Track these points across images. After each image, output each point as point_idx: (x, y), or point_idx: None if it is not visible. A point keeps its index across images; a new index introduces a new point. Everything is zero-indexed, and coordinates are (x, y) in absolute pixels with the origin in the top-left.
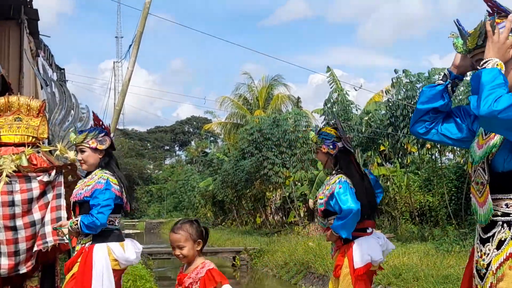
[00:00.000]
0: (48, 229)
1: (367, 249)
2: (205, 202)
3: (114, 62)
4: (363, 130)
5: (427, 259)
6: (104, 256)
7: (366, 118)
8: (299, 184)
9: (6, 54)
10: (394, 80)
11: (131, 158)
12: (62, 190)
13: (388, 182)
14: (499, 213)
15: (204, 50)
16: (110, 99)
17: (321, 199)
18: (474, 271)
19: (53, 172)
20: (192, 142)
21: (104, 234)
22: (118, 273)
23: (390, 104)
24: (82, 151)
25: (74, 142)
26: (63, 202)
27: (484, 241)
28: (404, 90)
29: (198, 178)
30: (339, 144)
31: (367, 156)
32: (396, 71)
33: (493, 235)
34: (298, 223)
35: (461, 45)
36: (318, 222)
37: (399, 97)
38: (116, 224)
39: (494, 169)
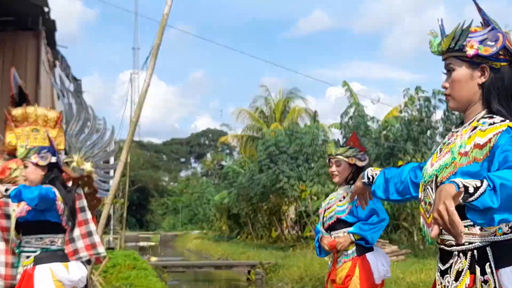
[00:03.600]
0: (80, 244)
1: (383, 261)
2: (220, 215)
3: (131, 74)
4: (381, 144)
5: None
6: (46, 277)
7: (384, 132)
8: (315, 198)
9: (24, 64)
10: (405, 98)
11: (146, 170)
12: (85, 202)
13: None
14: (453, 243)
15: (224, 63)
16: (127, 111)
17: (340, 206)
18: None
19: (69, 184)
20: (208, 155)
21: (46, 255)
22: None
23: (405, 121)
24: (26, 166)
25: (20, 157)
26: (89, 215)
27: (443, 273)
28: (418, 106)
29: (213, 191)
30: (367, 158)
31: None
32: (406, 90)
33: (450, 266)
34: (314, 237)
35: (436, 45)
36: (323, 233)
37: (414, 113)
38: (59, 244)
39: None
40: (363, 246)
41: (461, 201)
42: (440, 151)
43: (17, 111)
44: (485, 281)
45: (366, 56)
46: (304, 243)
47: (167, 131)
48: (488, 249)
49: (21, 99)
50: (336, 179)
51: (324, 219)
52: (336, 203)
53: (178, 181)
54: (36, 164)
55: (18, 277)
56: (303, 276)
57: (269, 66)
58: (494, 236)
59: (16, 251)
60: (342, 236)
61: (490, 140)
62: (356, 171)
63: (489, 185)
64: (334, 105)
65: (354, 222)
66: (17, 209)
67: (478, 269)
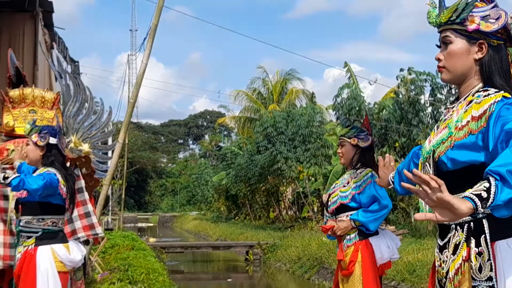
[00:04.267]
0: (78, 224)
1: (389, 243)
2: (219, 196)
3: (128, 55)
4: (376, 125)
5: None
6: (48, 258)
7: (377, 112)
8: (312, 179)
9: (21, 46)
10: (398, 80)
11: (144, 151)
12: (83, 183)
13: None
14: None
15: (222, 44)
16: (125, 92)
17: (343, 192)
18: (436, 283)
19: (68, 164)
20: (206, 136)
21: (48, 236)
22: (64, 276)
23: (399, 102)
24: (28, 144)
25: (24, 133)
26: (87, 196)
27: (441, 249)
28: (413, 87)
29: (211, 172)
30: (370, 139)
31: (381, 152)
32: (401, 70)
33: (448, 241)
34: (311, 218)
35: (434, 16)
36: (326, 217)
37: (407, 94)
38: (60, 225)
39: (441, 167)
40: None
41: (482, 210)
42: (438, 128)
43: (14, 92)
44: (479, 253)
45: (364, 38)
46: (302, 224)
47: (165, 113)
48: (484, 221)
49: (18, 81)
50: (341, 161)
51: (329, 203)
52: (340, 188)
53: (176, 163)
54: (35, 144)
55: (18, 256)
56: (301, 256)
57: (267, 48)
58: None
59: (15, 230)
60: (343, 221)
61: (485, 111)
62: (362, 153)
63: (496, 179)
64: (332, 87)
65: (357, 207)
66: None
67: (473, 241)
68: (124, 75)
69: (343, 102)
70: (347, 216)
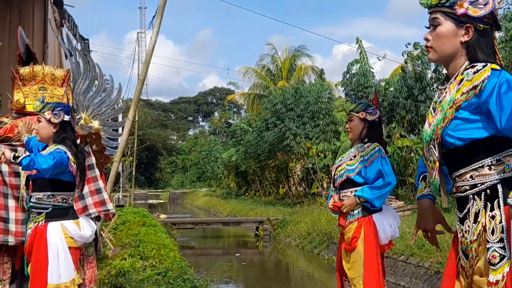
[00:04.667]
0: (89, 201)
1: (391, 221)
2: (228, 173)
3: (137, 33)
4: (383, 102)
5: None
6: (58, 234)
7: (384, 88)
8: (322, 155)
9: (31, 24)
10: (405, 55)
11: (154, 128)
12: (94, 160)
13: (412, 154)
14: (467, 187)
15: (231, 21)
16: (135, 69)
17: (350, 165)
18: (460, 253)
19: (78, 141)
20: (216, 113)
21: (58, 212)
22: (75, 251)
23: (405, 78)
24: (39, 121)
25: (35, 111)
26: (97, 172)
27: (462, 220)
28: (420, 62)
29: (221, 149)
30: (378, 113)
31: (390, 128)
32: (407, 45)
33: (468, 211)
34: (321, 194)
35: None
36: (332, 191)
37: (416, 70)
38: (70, 202)
39: (447, 146)
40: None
41: None
42: (434, 110)
43: (24, 70)
44: (493, 217)
45: (373, 14)
46: (311, 199)
47: (175, 90)
48: (499, 186)
49: (28, 58)
50: (349, 136)
51: (335, 176)
52: (346, 161)
53: (186, 140)
54: (49, 121)
55: (28, 232)
56: (310, 232)
57: (276, 25)
58: (503, 173)
59: (26, 206)
60: (348, 197)
61: (475, 86)
62: (370, 128)
63: None
64: (341, 63)
65: (362, 182)
66: None
67: (488, 206)
68: (133, 52)
69: (352, 78)
70: (351, 191)
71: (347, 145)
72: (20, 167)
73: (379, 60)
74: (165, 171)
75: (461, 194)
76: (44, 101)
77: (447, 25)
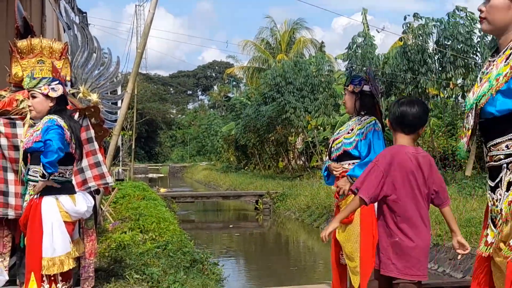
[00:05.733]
0: (88, 174)
1: None
2: (228, 147)
3: (136, 6)
4: (382, 75)
5: (450, 203)
6: (53, 207)
7: (382, 61)
8: (321, 128)
9: None
10: (404, 27)
11: (154, 102)
12: (92, 133)
13: None
14: (502, 156)
15: None
16: (133, 43)
17: (347, 138)
18: (489, 221)
19: (76, 115)
20: (215, 87)
21: (54, 186)
22: (70, 225)
23: (405, 50)
24: (34, 97)
25: (27, 87)
26: (96, 146)
27: (494, 189)
28: (420, 34)
29: (220, 123)
30: (366, 86)
31: (388, 101)
32: (405, 17)
33: (500, 180)
34: (320, 167)
35: None
36: (325, 163)
37: (416, 42)
38: (67, 176)
39: (486, 115)
40: None
41: None
42: (480, 81)
43: (22, 43)
44: None
45: None
46: (311, 173)
47: (174, 64)
48: None
49: (26, 31)
50: (346, 109)
51: (332, 149)
52: (344, 135)
53: (185, 114)
54: (46, 95)
55: (24, 205)
56: (309, 205)
57: None
58: None
59: (24, 179)
60: (342, 180)
61: None
62: (362, 99)
63: None
64: (340, 36)
65: (358, 156)
66: (25, 140)
67: None
68: (132, 25)
69: (357, 50)
70: (349, 164)
71: (345, 118)
72: (19, 139)
73: (378, 32)
74: (164, 145)
75: (495, 163)
76: (34, 76)
77: None
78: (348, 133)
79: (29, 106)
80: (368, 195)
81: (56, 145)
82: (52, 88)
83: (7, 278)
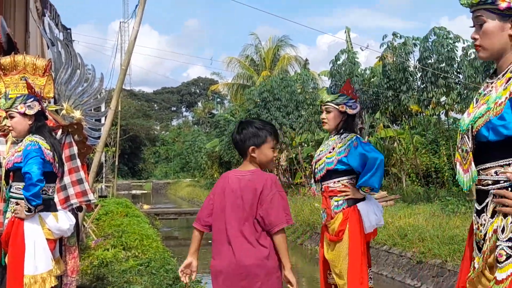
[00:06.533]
0: (71, 191)
1: (375, 209)
2: (212, 163)
3: (120, 23)
4: (367, 91)
5: (433, 220)
6: (36, 225)
7: (369, 78)
8: (305, 145)
9: (12, 13)
10: (384, 46)
11: (138, 119)
12: (75, 150)
13: (395, 144)
14: (490, 182)
15: (217, 12)
16: (118, 60)
17: (329, 158)
18: (474, 244)
19: (59, 132)
20: (199, 103)
21: None
22: (52, 243)
23: (386, 68)
24: (12, 117)
25: (3, 108)
26: (79, 163)
27: (479, 213)
28: (400, 54)
29: (205, 139)
30: (359, 107)
31: (373, 118)
32: (383, 37)
33: (486, 205)
34: (304, 184)
35: None
36: (314, 185)
37: (398, 61)
38: (50, 193)
39: (480, 138)
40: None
41: None
42: (477, 102)
43: (5, 60)
44: (505, 215)
45: (358, 4)
46: (295, 190)
47: (158, 81)
48: None
49: (10, 48)
50: (326, 126)
51: (316, 170)
52: (326, 154)
53: (169, 130)
54: (24, 114)
55: (5, 222)
56: (294, 221)
57: (262, 16)
58: None
59: (6, 196)
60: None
61: None
62: (347, 119)
63: None
64: (325, 53)
65: (346, 169)
66: (6, 158)
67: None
68: (116, 42)
69: (340, 68)
70: (335, 182)
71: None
72: (1, 156)
73: (362, 50)
74: (148, 162)
75: (482, 187)
76: (9, 96)
77: (493, 22)
78: (330, 152)
79: (8, 126)
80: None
81: (36, 177)
82: (28, 106)
83: None
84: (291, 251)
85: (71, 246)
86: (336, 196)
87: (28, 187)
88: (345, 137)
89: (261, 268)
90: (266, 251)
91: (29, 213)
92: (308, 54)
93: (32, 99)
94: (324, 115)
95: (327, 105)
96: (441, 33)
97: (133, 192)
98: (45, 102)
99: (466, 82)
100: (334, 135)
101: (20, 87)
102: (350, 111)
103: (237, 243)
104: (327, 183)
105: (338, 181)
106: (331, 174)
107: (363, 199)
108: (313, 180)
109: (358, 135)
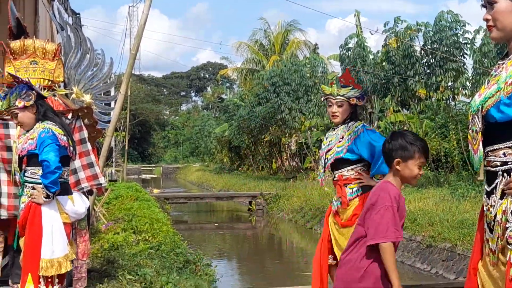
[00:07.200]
0: (81, 175)
1: None
2: (221, 148)
3: (129, 7)
4: (378, 75)
5: (443, 204)
6: (53, 210)
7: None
8: (314, 130)
9: None
10: (387, 33)
11: (147, 103)
12: (86, 134)
13: (405, 128)
14: (498, 163)
15: None
16: (128, 44)
17: (339, 147)
18: (485, 225)
19: (69, 115)
20: (208, 88)
21: None
22: (68, 227)
23: (389, 54)
24: (15, 115)
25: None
26: (89, 146)
27: (489, 194)
28: (407, 37)
29: (214, 124)
30: (366, 98)
31: (383, 102)
32: (385, 25)
33: (495, 186)
34: (313, 168)
35: None
36: (320, 175)
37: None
38: (65, 177)
39: (489, 119)
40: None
41: None
42: (488, 83)
43: (15, 44)
44: None
45: None
46: (304, 174)
47: (168, 65)
48: None
49: (19, 32)
50: (336, 120)
51: (326, 160)
52: (336, 144)
53: (179, 115)
54: (25, 107)
55: (22, 206)
56: (303, 206)
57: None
58: None
59: (21, 180)
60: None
61: None
62: (355, 110)
63: None
64: (334, 38)
65: (356, 159)
66: (17, 143)
67: None
68: (125, 27)
69: (348, 52)
70: (348, 170)
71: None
72: (12, 140)
73: (372, 34)
74: (158, 146)
75: (491, 169)
76: (1, 95)
77: (504, 2)
78: (340, 141)
79: (17, 123)
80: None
81: (54, 165)
82: (24, 98)
83: None
84: (301, 235)
85: (82, 229)
86: (351, 183)
87: (46, 175)
88: (352, 125)
89: None
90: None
91: (47, 199)
92: (317, 38)
93: (24, 89)
94: (335, 109)
95: (339, 98)
96: (448, 17)
97: (143, 176)
98: (59, 87)
99: (476, 66)
100: (341, 125)
101: (30, 71)
102: (359, 103)
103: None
104: (341, 172)
105: (352, 168)
106: (342, 162)
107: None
108: (321, 170)
109: (364, 123)
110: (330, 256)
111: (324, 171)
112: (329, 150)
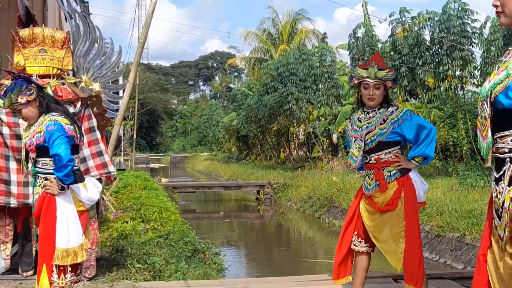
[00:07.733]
0: (91, 163)
1: (422, 180)
2: (229, 137)
3: None
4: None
5: (451, 194)
6: (68, 198)
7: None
8: (323, 119)
9: None
10: (392, 23)
11: (155, 92)
12: (95, 122)
13: None
14: (506, 150)
15: None
16: (135, 33)
17: (381, 129)
18: (493, 212)
19: (78, 104)
20: (216, 77)
21: None
22: (84, 214)
23: (396, 44)
24: (19, 111)
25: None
26: (99, 135)
27: (497, 180)
28: (414, 27)
29: (222, 113)
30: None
31: (392, 91)
32: (391, 15)
33: (504, 173)
34: (321, 158)
35: None
36: (356, 158)
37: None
38: (76, 164)
39: (497, 105)
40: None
41: None
42: (498, 69)
43: (24, 32)
44: None
45: None
46: (312, 164)
47: (177, 54)
48: None
49: (28, 20)
50: (373, 102)
51: (366, 141)
52: (378, 126)
53: (187, 104)
54: (27, 102)
55: (36, 197)
56: (311, 196)
57: None
58: None
59: (32, 171)
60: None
61: None
62: (387, 94)
63: None
64: (342, 27)
65: (398, 141)
66: (27, 140)
67: None
68: (134, 15)
69: (357, 41)
70: (386, 153)
71: (348, 109)
72: (22, 128)
73: (380, 23)
74: (166, 135)
75: (500, 155)
76: (2, 92)
77: None
78: (381, 124)
79: (22, 119)
80: None
81: (66, 158)
82: (26, 93)
83: (6, 265)
84: (309, 225)
85: (91, 218)
86: (389, 166)
87: (59, 168)
88: (396, 110)
89: None
90: None
91: (62, 191)
92: (326, 28)
93: (24, 84)
94: (372, 92)
95: (376, 81)
96: (456, 5)
97: (151, 165)
98: (68, 75)
99: (484, 55)
100: (377, 109)
101: (39, 59)
102: (393, 86)
103: None
104: (378, 155)
105: (389, 151)
106: (381, 145)
107: (410, 170)
108: (358, 152)
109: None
110: (360, 241)
111: (365, 153)
112: (369, 132)
